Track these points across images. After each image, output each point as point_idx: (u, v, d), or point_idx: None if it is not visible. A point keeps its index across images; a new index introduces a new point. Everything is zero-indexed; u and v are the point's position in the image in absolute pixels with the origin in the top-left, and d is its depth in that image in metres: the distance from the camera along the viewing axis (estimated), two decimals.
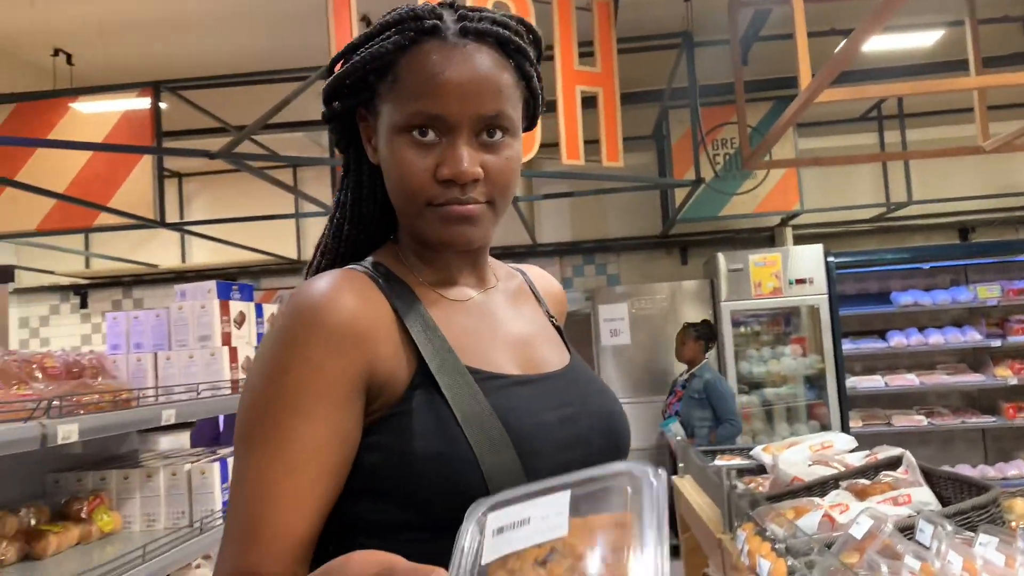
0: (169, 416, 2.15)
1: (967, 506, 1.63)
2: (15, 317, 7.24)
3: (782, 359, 5.82)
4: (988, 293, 5.72)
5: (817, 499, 1.97)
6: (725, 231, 6.82)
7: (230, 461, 2.35)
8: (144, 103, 4.64)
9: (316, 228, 6.73)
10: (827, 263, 5.68)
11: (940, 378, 5.81)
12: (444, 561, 0.57)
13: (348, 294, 0.80)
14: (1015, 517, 1.70)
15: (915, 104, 6.25)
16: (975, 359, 6.00)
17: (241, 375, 2.61)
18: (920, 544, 1.41)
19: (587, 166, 4.06)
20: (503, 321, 0.93)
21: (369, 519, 0.78)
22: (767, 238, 6.79)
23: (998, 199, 6.54)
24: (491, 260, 0.99)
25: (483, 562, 0.58)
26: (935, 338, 5.76)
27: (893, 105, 6.26)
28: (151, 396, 2.28)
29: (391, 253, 0.91)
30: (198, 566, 2.38)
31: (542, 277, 1.08)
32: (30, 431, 1.66)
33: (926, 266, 6.06)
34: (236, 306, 2.72)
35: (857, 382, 5.79)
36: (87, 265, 7.23)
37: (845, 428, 5.52)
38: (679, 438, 4.69)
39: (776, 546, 1.55)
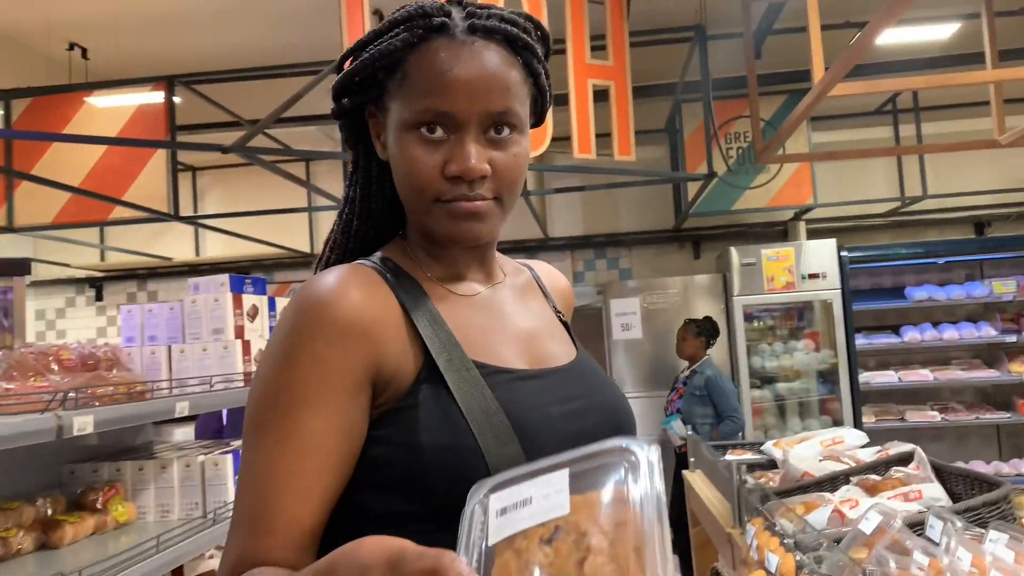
0: (183, 408, 2.17)
1: (978, 502, 1.63)
2: (32, 309, 7.31)
3: (795, 354, 5.80)
4: (1004, 288, 5.68)
5: (827, 494, 1.97)
6: (738, 225, 6.79)
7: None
8: (158, 97, 4.67)
9: (328, 222, 6.76)
10: (840, 258, 5.65)
11: (954, 374, 5.78)
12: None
13: (355, 289, 0.81)
14: None
15: (930, 97, 6.20)
16: (990, 355, 5.96)
17: (254, 368, 2.63)
18: (930, 540, 1.41)
19: (599, 160, 4.06)
20: (510, 316, 0.93)
21: (375, 510, 0.79)
22: (780, 232, 6.76)
23: (1014, 193, 6.48)
24: (498, 255, 1.00)
25: (489, 543, 0.59)
26: (949, 333, 5.73)
27: (908, 98, 6.21)
28: (165, 388, 2.31)
29: (399, 248, 0.92)
30: (211, 556, 2.40)
31: (549, 273, 1.08)
32: (46, 422, 1.68)
33: (940, 261, 6.01)
34: (249, 299, 2.74)
35: (870, 377, 5.76)
36: (102, 258, 7.29)
37: (858, 423, 5.49)
38: (681, 436, 4.72)
39: (785, 541, 1.55)
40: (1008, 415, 5.75)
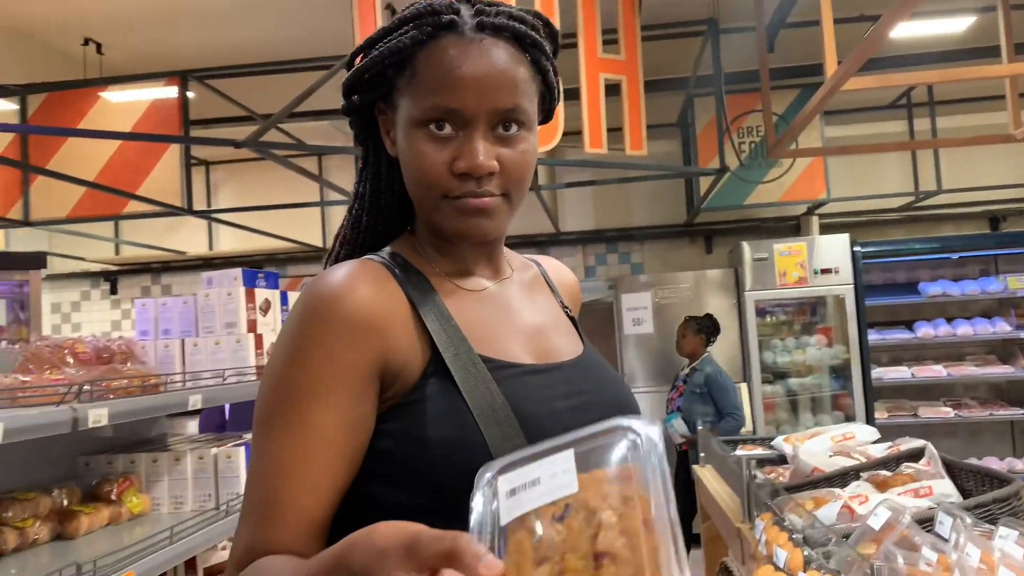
0: (196, 401, 2.19)
1: (988, 499, 1.62)
2: (47, 303, 7.38)
3: (807, 349, 5.78)
4: (1019, 284, 5.63)
5: (837, 490, 1.98)
6: (750, 220, 6.77)
7: None
8: (172, 92, 4.70)
9: (340, 216, 6.73)
10: (853, 252, 5.63)
11: (968, 370, 5.74)
12: None
13: (364, 285, 0.82)
14: None
15: (946, 91, 6.14)
16: (1004, 351, 5.92)
17: (266, 361, 2.64)
18: (939, 536, 1.41)
19: (610, 154, 4.05)
20: (517, 311, 0.94)
21: (382, 502, 0.80)
22: (793, 227, 6.73)
23: None
24: (506, 251, 1.00)
25: (502, 523, 0.60)
26: (964, 329, 5.69)
27: (923, 92, 6.15)
28: (179, 381, 2.33)
29: (408, 244, 0.93)
30: (223, 548, 2.43)
31: (556, 268, 1.09)
32: (62, 415, 1.70)
33: (955, 256, 5.97)
34: (261, 293, 2.76)
35: (883, 373, 5.74)
36: (117, 252, 7.35)
37: (870, 419, 5.47)
38: (682, 434, 4.71)
39: (793, 536, 1.55)
40: (1022, 411, 5.71)
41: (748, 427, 5.57)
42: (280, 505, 0.77)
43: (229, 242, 7.40)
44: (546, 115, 0.94)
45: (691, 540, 4.49)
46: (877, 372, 5.70)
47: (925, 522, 1.51)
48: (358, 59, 0.90)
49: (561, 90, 0.96)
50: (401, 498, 0.79)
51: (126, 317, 7.47)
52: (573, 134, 3.95)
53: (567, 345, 0.96)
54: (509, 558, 0.59)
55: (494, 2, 0.87)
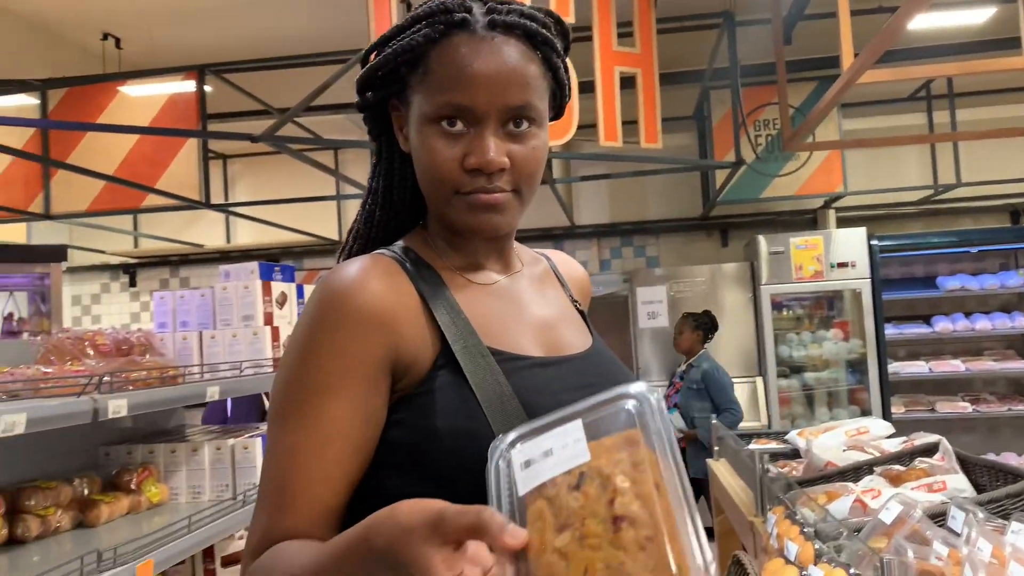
0: (213, 393, 2.22)
1: (1001, 494, 1.62)
2: (68, 295, 7.47)
3: (823, 343, 5.76)
4: None
5: (850, 484, 1.97)
6: (766, 213, 6.73)
7: None
8: (189, 86, 4.73)
9: (355, 210, 6.75)
10: (870, 246, 5.59)
11: (986, 364, 5.70)
12: None
13: (375, 279, 0.83)
14: None
15: (966, 83, 6.08)
16: (1023, 345, 5.87)
17: (282, 354, 2.67)
18: (951, 531, 1.41)
19: (625, 147, 4.04)
20: (527, 304, 0.95)
21: (393, 492, 0.81)
22: (810, 220, 6.69)
23: None
24: (516, 245, 1.02)
25: (520, 494, 0.63)
26: (982, 323, 5.64)
27: (943, 85, 6.09)
28: (196, 373, 2.36)
29: (420, 238, 0.95)
30: (240, 537, 2.46)
31: (566, 262, 1.10)
32: (83, 405, 1.74)
33: (974, 250, 5.92)
34: (278, 286, 2.79)
35: (900, 367, 5.70)
36: (136, 245, 7.42)
37: (886, 414, 5.45)
38: (679, 430, 4.71)
39: (805, 530, 1.56)
40: None
41: (764, 422, 5.57)
42: (294, 494, 0.79)
43: (246, 235, 7.45)
44: (557, 111, 0.95)
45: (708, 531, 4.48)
46: (894, 366, 5.67)
47: (938, 517, 1.51)
48: (372, 56, 0.91)
49: (572, 87, 0.97)
50: (410, 487, 0.81)
51: (145, 309, 7.55)
52: (588, 127, 3.94)
53: (576, 338, 0.97)
54: (531, 526, 0.61)
55: (506, 0, 0.88)
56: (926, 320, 5.82)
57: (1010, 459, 5.51)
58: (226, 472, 2.34)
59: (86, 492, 2.11)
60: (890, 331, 5.64)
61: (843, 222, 6.41)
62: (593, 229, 7.02)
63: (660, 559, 0.57)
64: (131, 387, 1.99)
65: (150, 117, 4.79)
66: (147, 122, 4.76)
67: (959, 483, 1.87)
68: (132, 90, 4.83)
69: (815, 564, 1.38)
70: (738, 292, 5.85)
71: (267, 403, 3.60)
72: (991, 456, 4.21)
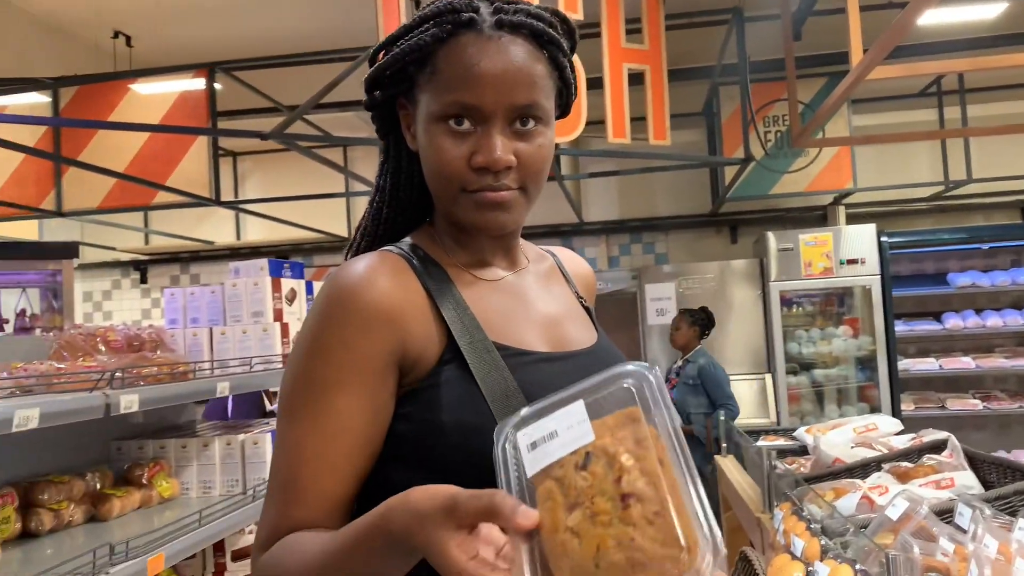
0: (223, 388, 2.24)
1: (1009, 491, 1.62)
2: (79, 292, 7.52)
3: (833, 340, 5.74)
4: None
5: (858, 481, 1.97)
6: (776, 210, 6.71)
7: None
8: (199, 84, 4.76)
9: (365, 206, 6.82)
10: (880, 243, 5.57)
11: (998, 361, 5.67)
12: None
13: (382, 277, 0.85)
14: None
15: (977, 79, 6.03)
16: None
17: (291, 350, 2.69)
18: (958, 527, 1.41)
19: (634, 144, 4.04)
20: (533, 301, 0.96)
21: (400, 485, 0.83)
22: (819, 217, 6.67)
23: None
24: (522, 242, 1.03)
25: (528, 475, 0.65)
26: (993, 320, 5.61)
27: (954, 80, 6.05)
28: (207, 369, 2.38)
29: (427, 235, 0.96)
30: (250, 531, 2.48)
31: (571, 259, 1.11)
32: (95, 400, 1.75)
33: (985, 246, 5.88)
34: (287, 283, 2.81)
35: (911, 364, 5.68)
36: (146, 242, 7.47)
37: (896, 411, 5.43)
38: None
39: (812, 526, 1.56)
40: None
41: (772, 419, 5.56)
42: (303, 487, 0.80)
43: (256, 232, 7.48)
44: (563, 110, 0.96)
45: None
46: (904, 364, 5.64)
47: (945, 513, 1.51)
48: (380, 56, 0.92)
49: (578, 85, 0.98)
50: (417, 481, 0.81)
51: (155, 306, 7.60)
52: (597, 124, 3.94)
53: (581, 334, 0.98)
54: (542, 506, 0.63)
55: (513, 0, 0.89)
56: (936, 317, 5.79)
57: (1021, 456, 5.48)
58: (236, 467, 2.36)
59: (98, 486, 2.13)
60: (900, 328, 5.62)
61: (853, 218, 6.39)
62: (602, 226, 7.02)
63: (669, 533, 0.59)
64: (142, 383, 2.01)
65: (160, 115, 4.82)
66: (157, 120, 4.79)
67: (967, 480, 1.87)
68: (143, 88, 4.86)
69: (821, 560, 1.39)
70: (747, 289, 5.84)
71: (267, 401, 3.62)
72: (1002, 453, 4.19)
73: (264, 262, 2.74)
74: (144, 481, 2.22)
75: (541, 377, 0.86)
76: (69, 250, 5.19)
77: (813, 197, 6.24)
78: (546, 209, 6.46)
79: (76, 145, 4.88)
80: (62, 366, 1.97)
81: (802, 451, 2.69)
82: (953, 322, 5.66)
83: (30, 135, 4.81)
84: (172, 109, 4.83)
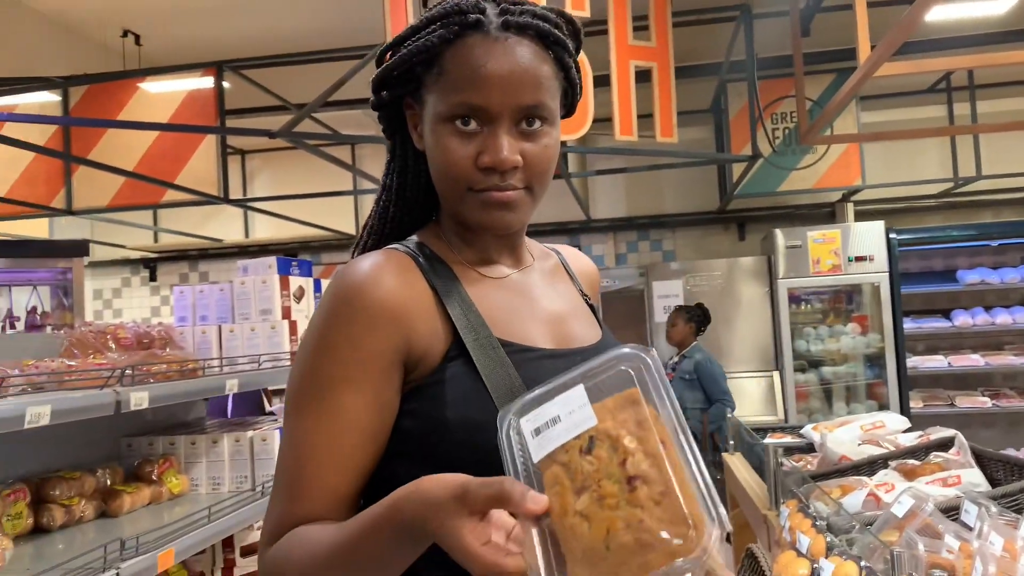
0: (232, 386, 2.26)
1: (1015, 488, 1.62)
2: (89, 289, 7.56)
3: (841, 337, 5.73)
4: None
5: (864, 478, 1.97)
6: (784, 207, 6.69)
7: None
8: (208, 83, 4.78)
9: (373, 205, 6.83)
10: (888, 240, 5.55)
11: (1007, 359, 5.64)
12: None
13: (388, 275, 0.86)
14: None
15: (986, 75, 6.00)
16: None
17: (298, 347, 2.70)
18: (963, 524, 1.41)
19: (641, 141, 4.04)
20: (538, 298, 0.97)
21: (405, 480, 0.84)
22: (827, 214, 6.65)
23: None
24: (527, 240, 1.04)
25: (534, 461, 0.67)
26: (1002, 318, 5.59)
27: (963, 76, 6.02)
28: (216, 367, 2.40)
29: (433, 233, 0.97)
30: (259, 527, 2.49)
31: (576, 257, 1.12)
32: (105, 397, 1.77)
33: (994, 243, 5.86)
34: (295, 281, 2.82)
35: (919, 362, 5.66)
36: (155, 240, 7.51)
37: (904, 408, 5.41)
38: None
39: (817, 523, 1.56)
40: None
41: (780, 416, 5.56)
42: (309, 482, 0.82)
43: (264, 230, 7.51)
44: (568, 110, 0.97)
45: None
46: (913, 361, 5.63)
47: (951, 511, 1.51)
48: (387, 56, 0.93)
49: (587, 82, 0.98)
50: (421, 475, 0.83)
51: (165, 303, 7.64)
52: (604, 121, 3.94)
53: (585, 331, 0.99)
54: (550, 491, 0.65)
55: (519, 0, 0.89)
56: (945, 314, 5.77)
57: None
58: (245, 464, 2.38)
59: (109, 482, 2.15)
60: (908, 325, 5.60)
61: (861, 215, 6.36)
62: (609, 223, 7.02)
63: (675, 512, 0.60)
64: (152, 380, 2.03)
65: (169, 113, 4.84)
66: (166, 118, 4.81)
67: (974, 477, 1.86)
68: (151, 87, 4.89)
69: (826, 557, 1.39)
70: (755, 286, 5.84)
71: (267, 401, 3.63)
72: (1011, 451, 4.18)
73: (272, 260, 2.75)
74: (154, 477, 2.23)
75: (546, 374, 0.86)
76: (79, 248, 5.23)
77: (821, 194, 6.22)
78: (554, 207, 6.46)
79: (86, 144, 4.91)
80: (73, 363, 1.98)
81: (809, 449, 2.68)
82: (962, 319, 5.64)
83: (40, 134, 4.85)
84: (181, 108, 4.85)
